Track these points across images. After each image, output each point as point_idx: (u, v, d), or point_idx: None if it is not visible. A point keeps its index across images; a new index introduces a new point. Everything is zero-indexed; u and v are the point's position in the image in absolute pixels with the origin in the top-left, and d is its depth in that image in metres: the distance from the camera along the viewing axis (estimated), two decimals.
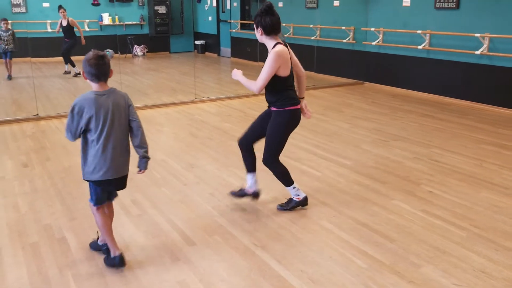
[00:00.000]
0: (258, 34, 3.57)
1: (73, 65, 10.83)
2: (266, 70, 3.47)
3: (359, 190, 4.33)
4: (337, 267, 3.07)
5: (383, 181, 4.54)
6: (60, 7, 10.52)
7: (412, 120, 6.88)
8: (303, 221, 3.73)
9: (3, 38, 9.89)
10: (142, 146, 3.05)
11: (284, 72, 3.51)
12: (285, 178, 3.84)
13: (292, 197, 3.90)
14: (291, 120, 3.66)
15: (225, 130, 6.39)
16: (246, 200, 4.09)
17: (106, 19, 14.33)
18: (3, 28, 9.90)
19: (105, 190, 3.01)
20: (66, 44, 10.75)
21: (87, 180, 2.95)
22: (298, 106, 3.69)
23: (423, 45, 8.45)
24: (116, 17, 14.52)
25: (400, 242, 3.38)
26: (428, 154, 5.30)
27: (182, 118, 7.11)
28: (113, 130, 2.88)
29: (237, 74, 3.75)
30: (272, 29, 3.52)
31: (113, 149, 2.90)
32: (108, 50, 14.23)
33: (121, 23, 14.74)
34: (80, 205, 4.00)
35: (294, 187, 3.86)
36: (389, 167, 4.90)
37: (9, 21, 12.42)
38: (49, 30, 12.89)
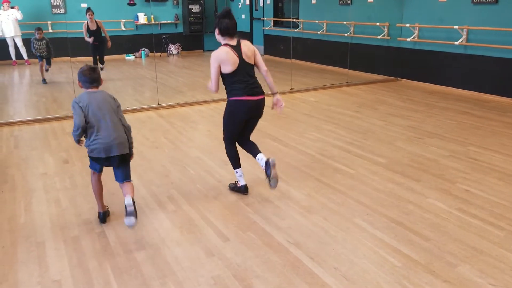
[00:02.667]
0: (216, 33, 4.01)
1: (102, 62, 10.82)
2: (211, 70, 3.96)
3: (393, 188, 4.30)
4: (371, 265, 3.07)
5: (418, 179, 4.49)
6: (88, 9, 10.13)
7: (449, 117, 6.76)
8: (336, 218, 3.73)
9: (36, 47, 9.84)
10: (127, 124, 3.71)
11: (226, 69, 3.92)
12: (231, 161, 4.28)
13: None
14: (233, 109, 4.05)
15: (258, 127, 6.39)
16: (279, 197, 4.13)
17: (142, 19, 14.59)
18: (37, 37, 9.86)
19: (98, 163, 3.64)
20: (99, 50, 10.51)
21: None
22: (244, 97, 3.98)
23: (460, 40, 8.27)
24: (152, 16, 14.77)
25: (435, 241, 3.34)
26: (465, 152, 5.21)
27: (216, 115, 7.18)
28: (103, 118, 3.49)
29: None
30: (226, 30, 3.93)
31: (106, 132, 3.49)
32: (143, 49, 14.52)
33: (156, 22, 14.98)
34: (118, 201, 4.11)
35: (236, 172, 4.26)
36: (424, 165, 4.84)
37: (49, 22, 12.86)
38: None
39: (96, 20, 10.24)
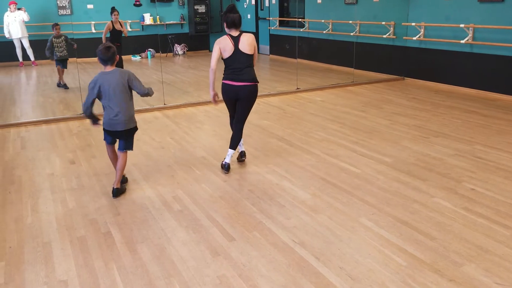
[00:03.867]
0: (224, 27, 4.60)
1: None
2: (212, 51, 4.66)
3: (398, 187, 4.29)
4: (376, 264, 3.07)
5: (424, 178, 4.48)
6: (114, 9, 9.97)
7: (455, 116, 6.74)
8: (341, 218, 3.73)
9: (55, 44, 9.56)
10: (145, 90, 4.26)
11: (224, 55, 4.56)
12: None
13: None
14: (222, 90, 4.72)
15: (264, 127, 6.44)
16: (284, 197, 4.14)
17: (148, 19, 14.65)
18: (55, 34, 9.57)
19: (108, 135, 4.28)
20: (120, 51, 10.02)
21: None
22: (226, 81, 4.63)
23: (466, 39, 8.24)
24: (157, 17, 14.82)
25: (441, 240, 3.34)
26: (471, 151, 5.19)
27: (222, 115, 7.20)
28: (114, 96, 4.06)
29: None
30: (232, 23, 4.53)
31: (113, 110, 4.09)
32: (149, 49, 14.57)
33: (162, 23, 15.03)
34: (124, 201, 4.14)
35: (229, 151, 4.82)
36: (430, 164, 4.83)
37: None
38: (93, 31, 13.31)
39: (120, 20, 10.08)
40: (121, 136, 4.26)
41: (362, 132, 6.08)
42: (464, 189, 4.21)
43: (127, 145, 4.32)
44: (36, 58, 12.68)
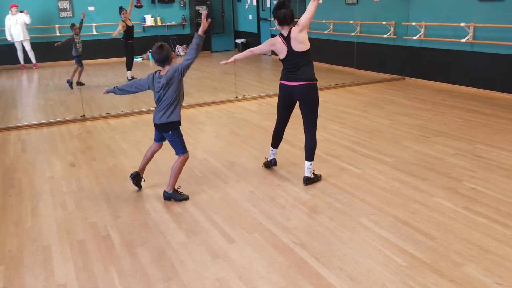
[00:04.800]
0: (275, 24, 4.37)
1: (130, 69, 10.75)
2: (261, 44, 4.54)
3: (399, 187, 4.28)
4: (376, 265, 3.06)
5: (424, 178, 4.47)
6: (121, 8, 10.16)
7: (456, 115, 6.71)
8: (342, 218, 3.72)
9: (76, 41, 9.68)
10: (192, 53, 4.12)
11: (279, 56, 4.41)
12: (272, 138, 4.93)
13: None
14: (279, 90, 4.56)
15: (266, 128, 6.43)
16: (285, 198, 4.13)
17: (149, 21, 14.65)
18: (74, 33, 9.67)
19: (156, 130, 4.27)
20: (131, 47, 10.48)
21: None
22: (281, 81, 4.47)
23: (466, 38, 8.21)
24: (158, 18, 14.83)
25: (441, 240, 3.32)
26: (472, 150, 5.17)
27: (223, 116, 7.20)
28: (162, 97, 4.02)
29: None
30: (284, 20, 4.29)
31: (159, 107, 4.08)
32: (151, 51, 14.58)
33: (163, 24, 15.03)
34: (124, 204, 4.14)
35: (272, 150, 4.91)
36: (430, 164, 4.82)
37: (57, 26, 12.95)
38: (95, 33, 13.32)
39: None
40: (159, 128, 4.27)
41: (363, 132, 6.06)
42: (465, 188, 4.19)
43: (171, 143, 4.31)
44: (37, 60, 12.71)
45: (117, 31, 10.32)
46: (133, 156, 5.46)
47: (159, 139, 4.33)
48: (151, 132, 6.43)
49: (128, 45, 10.44)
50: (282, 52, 4.33)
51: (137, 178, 4.44)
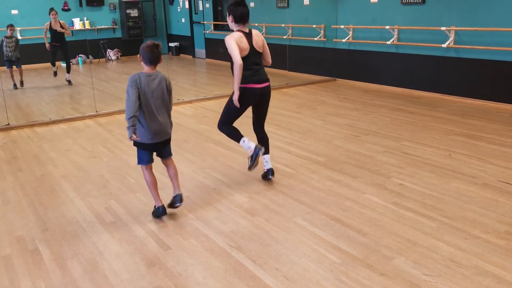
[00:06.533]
0: (229, 21, 4.19)
1: (68, 71, 10.73)
2: (231, 47, 4.06)
3: (332, 185, 4.39)
4: (311, 263, 3.12)
5: (355, 175, 4.61)
6: (51, 9, 10.02)
7: (383, 114, 6.99)
8: (277, 219, 3.77)
9: (6, 44, 9.41)
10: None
11: (241, 53, 4.07)
12: (233, 137, 4.46)
13: (248, 154, 4.40)
14: (245, 95, 4.24)
15: (201, 131, 6.40)
16: (221, 201, 4.13)
17: (77, 24, 14.19)
18: (8, 34, 9.40)
19: (147, 152, 3.78)
20: (64, 53, 10.42)
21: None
22: (251, 85, 4.20)
23: (391, 40, 8.57)
24: (87, 21, 14.38)
25: (372, 236, 3.44)
26: (399, 147, 5.40)
27: None
28: (156, 104, 3.59)
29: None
30: (241, 18, 4.13)
31: (155, 119, 3.60)
32: (80, 55, 14.11)
33: (93, 28, 14.60)
34: (53, 215, 3.98)
35: (243, 141, 4.37)
36: (361, 162, 4.98)
37: None
38: (19, 37, 12.69)
39: (60, 21, 10.15)
40: (165, 144, 3.85)
41: (297, 133, 6.18)
42: (393, 184, 4.37)
43: (170, 149, 3.95)
44: None
45: (67, 32, 10.34)
46: (62, 165, 5.25)
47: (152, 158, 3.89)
48: (81, 139, 6.24)
49: (51, 49, 10.34)
50: (245, 49, 4.12)
51: (167, 206, 3.96)
